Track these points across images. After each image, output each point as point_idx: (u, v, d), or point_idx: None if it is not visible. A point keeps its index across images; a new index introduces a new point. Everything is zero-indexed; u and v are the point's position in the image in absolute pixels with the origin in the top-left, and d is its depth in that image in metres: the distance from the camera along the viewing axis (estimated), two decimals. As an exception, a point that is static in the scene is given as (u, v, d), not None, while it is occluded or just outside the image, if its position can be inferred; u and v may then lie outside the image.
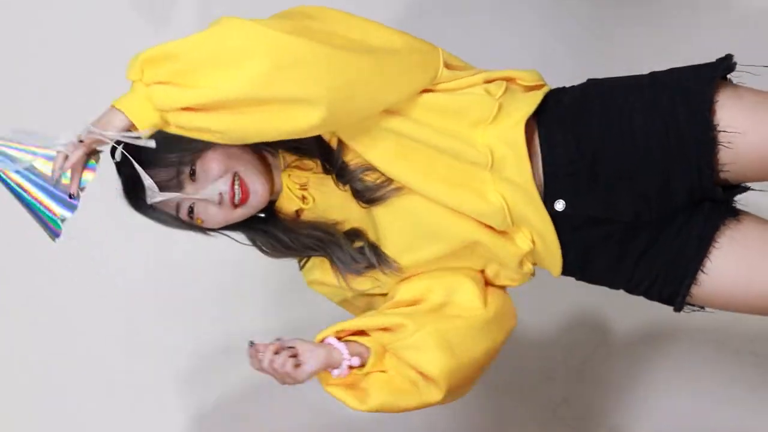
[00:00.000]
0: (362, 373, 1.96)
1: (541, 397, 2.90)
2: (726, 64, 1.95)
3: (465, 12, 2.91)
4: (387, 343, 1.97)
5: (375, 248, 2.00)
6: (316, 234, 2.02)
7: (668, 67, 1.99)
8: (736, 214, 1.99)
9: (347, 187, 1.96)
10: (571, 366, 2.93)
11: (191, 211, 1.94)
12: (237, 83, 1.74)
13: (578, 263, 2.01)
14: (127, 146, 1.82)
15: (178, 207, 1.94)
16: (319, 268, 2.08)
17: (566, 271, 2.04)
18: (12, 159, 1.83)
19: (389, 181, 1.93)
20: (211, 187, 1.93)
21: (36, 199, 1.85)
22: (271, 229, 2.03)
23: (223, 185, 1.93)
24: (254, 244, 2.06)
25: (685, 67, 1.98)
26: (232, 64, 1.75)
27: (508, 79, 2.00)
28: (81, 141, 1.80)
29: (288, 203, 2.01)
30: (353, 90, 1.81)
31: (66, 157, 1.81)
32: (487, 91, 1.95)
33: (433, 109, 1.92)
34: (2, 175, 1.84)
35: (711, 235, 1.95)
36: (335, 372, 1.94)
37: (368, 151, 1.91)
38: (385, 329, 1.98)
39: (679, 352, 2.87)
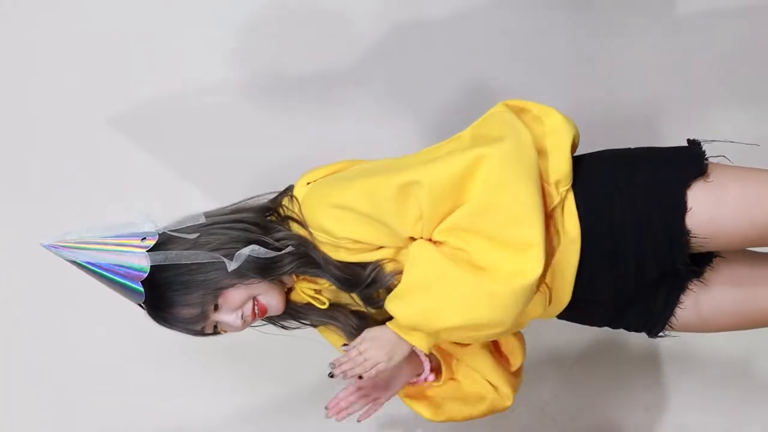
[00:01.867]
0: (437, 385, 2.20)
1: (531, 395, 3.00)
2: (698, 155, 2.09)
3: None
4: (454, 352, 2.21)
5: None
6: (319, 320, 2.20)
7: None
8: (701, 274, 2.15)
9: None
10: (561, 365, 3.06)
11: (215, 327, 2.14)
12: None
13: (567, 320, 2.22)
14: (146, 282, 2.06)
15: (203, 327, 2.13)
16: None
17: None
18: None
19: None
20: (235, 314, 2.11)
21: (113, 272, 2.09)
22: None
23: (246, 311, 2.11)
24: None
25: (662, 160, 2.11)
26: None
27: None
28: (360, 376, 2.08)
29: (300, 298, 2.17)
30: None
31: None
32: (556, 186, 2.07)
33: None
34: (82, 263, 2.11)
35: (676, 298, 2.15)
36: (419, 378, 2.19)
37: None
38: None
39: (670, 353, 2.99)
